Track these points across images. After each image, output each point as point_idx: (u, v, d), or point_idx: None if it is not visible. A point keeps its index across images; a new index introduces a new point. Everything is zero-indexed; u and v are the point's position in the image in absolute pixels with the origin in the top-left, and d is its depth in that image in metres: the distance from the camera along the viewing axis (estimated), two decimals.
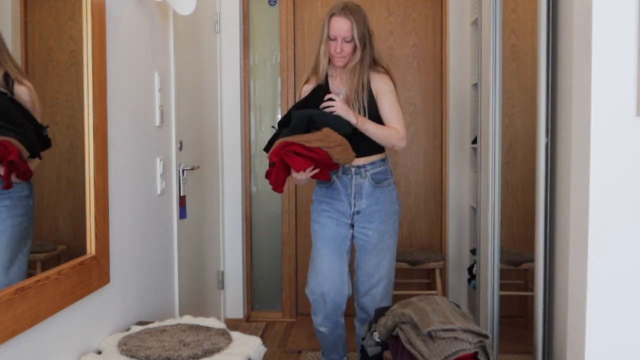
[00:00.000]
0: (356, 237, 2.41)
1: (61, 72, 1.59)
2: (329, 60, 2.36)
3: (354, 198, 2.36)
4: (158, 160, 2.28)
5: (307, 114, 2.25)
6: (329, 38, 2.29)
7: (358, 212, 2.37)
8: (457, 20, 3.57)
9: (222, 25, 3.50)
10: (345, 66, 2.34)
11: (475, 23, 3.22)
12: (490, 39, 2.21)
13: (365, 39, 2.30)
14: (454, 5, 3.57)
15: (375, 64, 2.38)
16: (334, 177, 2.37)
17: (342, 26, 2.25)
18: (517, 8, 3.44)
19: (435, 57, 3.67)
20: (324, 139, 2.19)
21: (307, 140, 2.18)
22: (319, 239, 2.40)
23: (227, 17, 3.51)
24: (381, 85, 2.36)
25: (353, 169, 2.35)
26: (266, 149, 2.31)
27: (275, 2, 3.66)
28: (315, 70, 2.39)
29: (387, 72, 2.39)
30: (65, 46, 1.62)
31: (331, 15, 2.28)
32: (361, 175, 2.35)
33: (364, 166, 2.35)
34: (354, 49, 2.30)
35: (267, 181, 3.70)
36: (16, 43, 1.38)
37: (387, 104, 2.35)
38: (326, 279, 2.35)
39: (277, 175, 2.21)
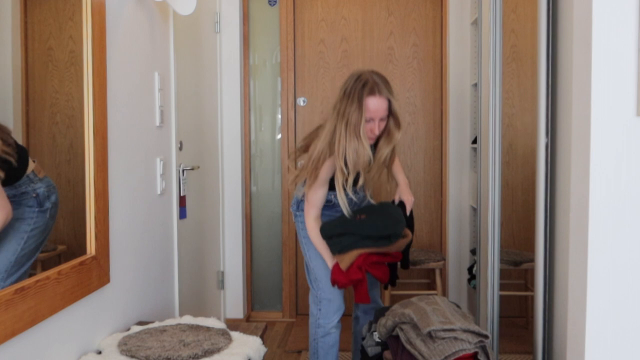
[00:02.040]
0: None
1: (61, 72, 1.59)
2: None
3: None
4: (158, 160, 2.28)
5: (385, 232, 2.20)
6: (366, 120, 2.07)
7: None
8: (457, 20, 3.57)
9: (222, 25, 3.50)
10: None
11: (475, 23, 3.23)
12: (490, 39, 2.21)
13: (395, 107, 2.14)
14: (454, 5, 3.57)
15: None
16: (334, 200, 2.30)
17: (380, 107, 2.06)
18: (517, 8, 3.45)
19: (435, 57, 3.67)
20: (402, 241, 2.24)
21: (388, 249, 2.21)
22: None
23: (227, 17, 3.51)
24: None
25: (351, 190, 2.24)
26: (335, 249, 2.23)
27: (275, 2, 3.66)
28: (344, 160, 2.12)
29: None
30: (65, 46, 1.62)
31: (365, 96, 2.05)
32: (357, 192, 2.33)
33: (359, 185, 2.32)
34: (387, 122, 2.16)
35: (267, 181, 3.75)
36: (16, 43, 1.38)
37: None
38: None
39: (365, 288, 2.21)
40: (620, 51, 1.48)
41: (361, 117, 2.04)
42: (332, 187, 2.27)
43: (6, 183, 1.34)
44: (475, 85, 3.17)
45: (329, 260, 2.27)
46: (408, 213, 2.39)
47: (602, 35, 1.49)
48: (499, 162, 2.23)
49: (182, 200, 2.57)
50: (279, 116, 3.71)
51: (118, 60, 1.91)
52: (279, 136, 3.72)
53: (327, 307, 2.34)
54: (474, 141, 3.38)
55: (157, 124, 2.27)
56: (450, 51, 3.59)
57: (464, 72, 3.56)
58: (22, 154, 1.40)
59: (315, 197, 2.23)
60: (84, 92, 1.68)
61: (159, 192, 2.29)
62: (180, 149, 2.61)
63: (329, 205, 2.33)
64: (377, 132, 2.10)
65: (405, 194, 2.40)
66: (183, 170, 2.59)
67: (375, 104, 2.05)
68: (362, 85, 2.06)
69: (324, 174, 2.17)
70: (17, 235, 1.39)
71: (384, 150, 2.18)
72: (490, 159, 2.25)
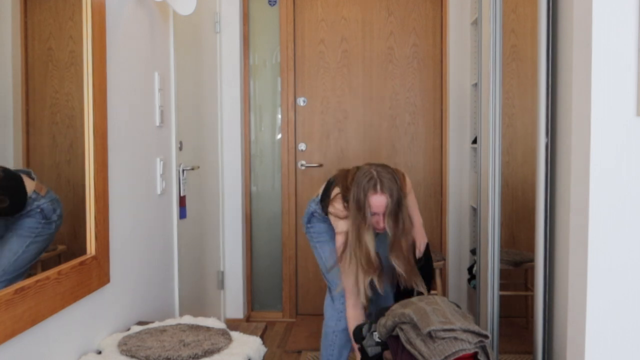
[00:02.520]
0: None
1: (61, 72, 1.59)
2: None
3: None
4: (158, 160, 2.28)
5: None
6: (371, 214, 2.20)
7: None
8: (457, 20, 3.57)
9: (222, 25, 3.50)
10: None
11: (475, 23, 3.23)
12: (490, 39, 2.21)
13: (400, 203, 2.21)
14: (454, 5, 3.57)
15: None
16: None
17: (381, 203, 2.17)
18: (517, 8, 3.45)
19: (435, 57, 3.67)
20: None
21: None
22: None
23: (227, 17, 3.51)
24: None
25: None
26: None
27: (275, 2, 3.66)
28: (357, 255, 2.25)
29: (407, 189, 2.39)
30: (65, 46, 1.62)
31: (368, 194, 2.17)
32: None
33: None
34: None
35: (267, 181, 3.76)
36: (16, 43, 1.38)
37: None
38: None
39: None
40: (620, 51, 1.48)
41: (365, 215, 2.18)
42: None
43: (11, 214, 1.36)
44: (475, 85, 3.16)
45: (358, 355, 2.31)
46: (418, 255, 2.44)
47: (602, 35, 1.49)
48: (499, 162, 2.23)
49: (182, 200, 2.57)
50: (279, 116, 3.71)
51: (118, 60, 1.91)
52: (279, 136, 3.72)
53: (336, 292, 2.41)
54: (474, 141, 3.38)
55: (157, 124, 2.27)
56: (450, 51, 3.59)
57: (464, 72, 3.56)
58: (17, 184, 1.39)
59: (347, 284, 2.32)
60: (84, 92, 1.68)
61: (159, 192, 2.29)
62: (180, 149, 2.61)
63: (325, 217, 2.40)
64: (382, 224, 2.20)
65: (419, 238, 2.48)
66: (183, 170, 2.59)
67: (376, 200, 2.16)
68: (367, 180, 2.18)
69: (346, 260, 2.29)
70: (20, 239, 1.39)
71: (394, 240, 2.26)
72: (490, 159, 2.25)
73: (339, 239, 2.30)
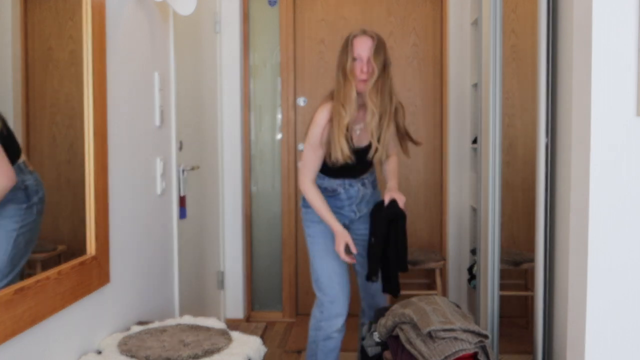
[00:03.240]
0: (357, 239, 2.39)
1: (61, 72, 1.59)
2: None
3: (357, 205, 2.39)
4: (158, 160, 2.28)
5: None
6: (353, 59, 2.18)
7: (359, 218, 2.41)
8: (457, 20, 3.57)
9: (222, 25, 3.50)
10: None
11: (475, 23, 3.22)
12: (490, 39, 2.21)
13: (386, 63, 2.19)
14: (454, 5, 3.57)
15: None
16: (340, 190, 2.34)
17: (365, 44, 2.17)
18: (517, 8, 3.45)
19: (435, 57, 3.67)
20: None
21: None
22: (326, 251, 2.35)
23: (227, 17, 3.51)
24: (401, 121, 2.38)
25: (359, 182, 2.36)
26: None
27: (275, 2, 3.66)
28: (340, 102, 2.18)
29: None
30: (65, 46, 1.62)
31: (353, 37, 2.20)
32: (365, 186, 2.38)
33: (367, 177, 2.40)
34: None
35: (267, 181, 3.76)
36: (16, 43, 1.38)
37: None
38: (341, 284, 2.32)
39: None
40: (620, 51, 1.49)
41: (347, 57, 2.18)
42: (337, 174, 2.30)
43: None
44: (475, 85, 3.16)
45: (334, 225, 2.24)
46: (386, 202, 2.34)
47: (602, 35, 1.49)
48: (499, 162, 2.23)
49: (182, 200, 2.57)
50: (279, 116, 3.71)
51: (118, 60, 1.91)
52: (279, 136, 3.73)
53: (329, 309, 2.29)
54: (474, 141, 3.38)
55: (157, 124, 2.27)
56: (450, 51, 3.59)
57: (464, 72, 3.56)
58: (13, 139, 1.37)
59: (309, 159, 2.27)
60: (84, 92, 1.68)
61: (159, 192, 2.29)
62: (180, 149, 2.61)
63: (334, 194, 2.34)
64: (365, 70, 2.16)
65: (397, 193, 2.37)
66: (183, 170, 2.59)
67: (359, 41, 2.17)
68: (352, 33, 2.23)
69: (316, 131, 2.24)
70: (6, 234, 1.36)
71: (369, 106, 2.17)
72: (490, 159, 2.25)
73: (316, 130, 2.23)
